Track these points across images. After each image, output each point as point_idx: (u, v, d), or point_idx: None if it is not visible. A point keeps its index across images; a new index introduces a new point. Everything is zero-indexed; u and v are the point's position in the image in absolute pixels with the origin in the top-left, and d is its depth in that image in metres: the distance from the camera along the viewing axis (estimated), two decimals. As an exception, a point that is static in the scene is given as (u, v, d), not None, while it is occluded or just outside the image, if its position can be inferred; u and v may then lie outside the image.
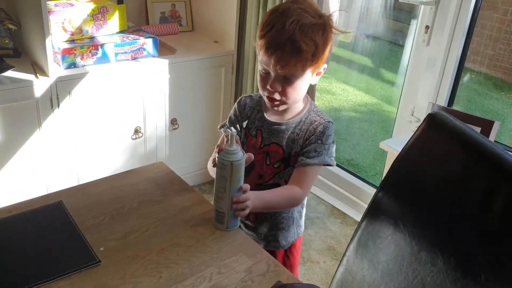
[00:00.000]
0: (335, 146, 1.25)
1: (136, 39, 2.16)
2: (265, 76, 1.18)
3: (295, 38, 1.10)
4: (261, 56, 1.16)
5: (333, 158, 1.23)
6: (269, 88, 1.16)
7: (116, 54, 2.11)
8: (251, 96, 1.35)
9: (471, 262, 0.87)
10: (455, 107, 2.21)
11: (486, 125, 1.83)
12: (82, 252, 1.02)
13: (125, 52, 2.13)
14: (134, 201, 1.20)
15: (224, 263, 1.02)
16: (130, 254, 1.04)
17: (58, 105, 1.95)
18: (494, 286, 0.84)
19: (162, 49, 2.30)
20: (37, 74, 1.90)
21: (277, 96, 1.17)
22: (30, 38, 2.01)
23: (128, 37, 2.17)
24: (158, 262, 1.01)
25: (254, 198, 1.12)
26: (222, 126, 1.33)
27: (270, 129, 1.26)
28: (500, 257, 0.84)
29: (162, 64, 2.20)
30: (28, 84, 1.87)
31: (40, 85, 1.89)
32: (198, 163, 2.46)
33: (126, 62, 2.14)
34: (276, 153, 1.25)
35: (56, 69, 1.95)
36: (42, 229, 1.09)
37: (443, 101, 2.03)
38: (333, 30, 1.17)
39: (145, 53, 2.18)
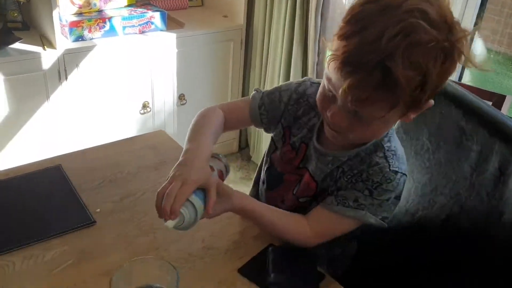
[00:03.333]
0: (394, 206, 0.91)
1: (144, 12, 2.15)
2: (329, 97, 0.83)
3: (393, 64, 0.70)
4: (331, 67, 0.78)
5: (386, 218, 0.91)
6: (329, 119, 0.84)
7: (124, 28, 2.10)
8: (319, 84, 0.92)
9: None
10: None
11: (498, 99, 1.79)
12: (78, 212, 1.03)
13: (133, 26, 2.13)
14: (132, 167, 1.20)
15: (217, 226, 1.02)
16: (126, 216, 1.04)
17: (66, 78, 1.97)
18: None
19: (171, 23, 2.29)
20: (45, 47, 1.91)
21: (339, 129, 0.85)
22: (38, 11, 2.02)
23: (136, 10, 2.16)
24: (153, 224, 1.02)
25: (235, 203, 0.92)
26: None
27: (313, 151, 0.98)
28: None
29: (170, 38, 2.19)
30: (36, 56, 1.88)
31: (48, 58, 1.90)
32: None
33: (134, 35, 2.14)
34: (307, 186, 0.98)
35: (63, 42, 1.96)
36: (39, 191, 1.10)
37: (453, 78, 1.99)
38: (463, 58, 0.75)
39: (153, 27, 2.18)
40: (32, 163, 1.19)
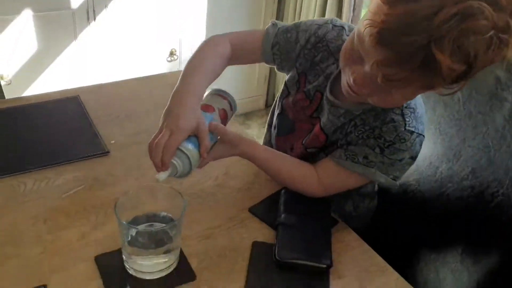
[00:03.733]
0: (408, 166, 0.85)
1: (176, -44, 2.10)
2: (355, 57, 0.74)
3: (440, 49, 0.61)
4: (366, 32, 0.67)
5: (397, 178, 0.86)
6: (351, 80, 0.76)
7: (154, -30, 2.06)
8: (342, 28, 0.89)
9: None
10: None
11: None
12: (92, 142, 1.03)
13: (164, -31, 2.08)
14: (149, 104, 1.19)
15: (232, 165, 0.99)
16: (140, 150, 1.02)
17: (94, 18, 1.95)
18: None
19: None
20: (74, -15, 1.89)
21: (359, 92, 0.77)
22: None
23: (167, -47, 2.11)
24: (166, 160, 1.00)
25: (243, 150, 0.89)
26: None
27: (325, 101, 0.91)
28: None
29: (201, -16, 2.14)
30: (65, -7, 1.87)
31: (77, -4, 1.89)
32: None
33: (164, -21, 2.09)
34: (316, 138, 0.93)
35: (93, -19, 1.93)
36: (56, 118, 1.10)
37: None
38: None
39: (184, -29, 2.12)
40: (51, 93, 1.19)
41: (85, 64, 2.02)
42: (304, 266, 0.78)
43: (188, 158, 0.78)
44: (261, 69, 2.61)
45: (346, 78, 0.78)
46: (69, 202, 0.87)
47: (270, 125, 1.10)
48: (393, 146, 0.82)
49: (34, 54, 1.90)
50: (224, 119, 0.88)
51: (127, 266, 0.75)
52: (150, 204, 0.78)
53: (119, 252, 0.77)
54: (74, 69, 2.01)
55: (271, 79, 2.70)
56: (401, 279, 0.79)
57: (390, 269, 0.81)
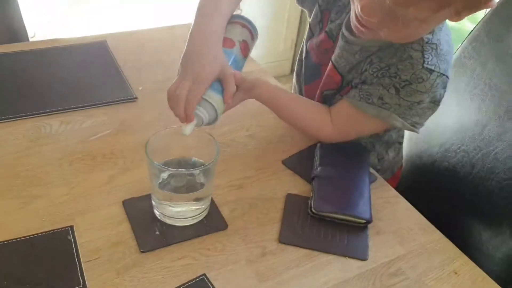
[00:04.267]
0: (431, 111, 0.79)
1: None
2: None
3: None
4: None
5: (417, 124, 0.80)
6: (359, 9, 0.70)
7: None
8: None
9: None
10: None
11: None
12: (120, 87, 0.99)
13: None
14: (177, 53, 1.13)
15: (264, 116, 0.94)
16: (166, 97, 0.99)
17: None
18: None
19: None
20: None
21: (369, 24, 0.71)
22: None
23: None
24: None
25: (259, 92, 0.83)
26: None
27: (341, 38, 0.84)
28: None
29: None
30: None
31: None
32: (259, 54, 2.35)
33: None
34: (330, 79, 0.88)
35: None
36: (83, 62, 1.05)
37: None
38: None
39: None
40: (79, 37, 1.15)
41: (114, 12, 1.97)
42: (341, 220, 0.74)
43: (213, 106, 0.72)
44: (288, 33, 2.52)
45: (355, 9, 0.72)
46: (96, 146, 0.84)
47: (298, 74, 1.03)
48: (409, 87, 0.75)
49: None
50: (246, 52, 0.80)
51: (156, 212, 0.72)
52: (180, 149, 0.74)
53: (148, 197, 0.73)
54: (102, 16, 1.96)
55: (297, 44, 2.61)
56: (445, 239, 0.74)
57: (432, 227, 0.76)
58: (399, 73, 0.76)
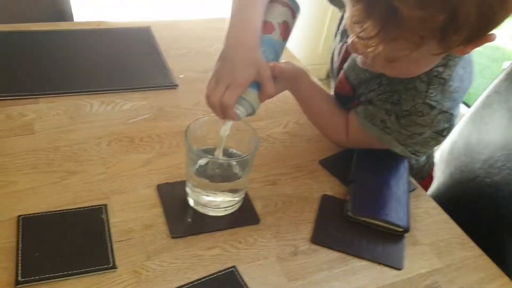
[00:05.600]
0: (434, 142, 0.75)
1: None
2: None
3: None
4: None
5: (419, 152, 0.78)
6: (350, 47, 0.68)
7: None
8: None
9: None
10: None
11: None
12: (161, 74, 0.99)
13: None
14: (221, 44, 1.13)
15: (304, 116, 0.93)
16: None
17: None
18: None
19: None
20: None
21: (364, 58, 0.69)
22: None
23: None
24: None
25: (293, 85, 0.81)
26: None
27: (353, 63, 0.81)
28: None
29: None
30: None
31: None
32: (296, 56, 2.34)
33: None
34: (341, 86, 0.86)
35: None
36: (126, 46, 1.06)
37: None
38: None
39: None
40: (124, 22, 1.16)
41: (159, 0, 1.98)
42: (378, 226, 0.72)
43: (250, 103, 0.69)
44: (327, 38, 2.50)
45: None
46: (135, 129, 0.84)
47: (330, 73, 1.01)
48: (409, 118, 0.73)
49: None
50: (286, 33, 0.74)
51: (190, 199, 0.71)
52: (219, 138, 0.73)
53: (182, 183, 0.73)
54: (147, 4, 1.98)
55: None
56: (485, 257, 0.71)
57: (471, 243, 0.73)
58: (401, 102, 0.73)
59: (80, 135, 0.81)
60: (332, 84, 1.01)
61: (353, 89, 0.83)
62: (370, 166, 0.81)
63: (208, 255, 0.65)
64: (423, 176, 0.99)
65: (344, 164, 0.83)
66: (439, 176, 1.04)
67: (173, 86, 0.96)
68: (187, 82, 0.98)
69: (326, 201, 0.76)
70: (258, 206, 0.73)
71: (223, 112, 0.67)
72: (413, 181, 0.83)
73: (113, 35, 1.09)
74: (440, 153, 1.06)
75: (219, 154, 0.68)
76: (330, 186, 0.79)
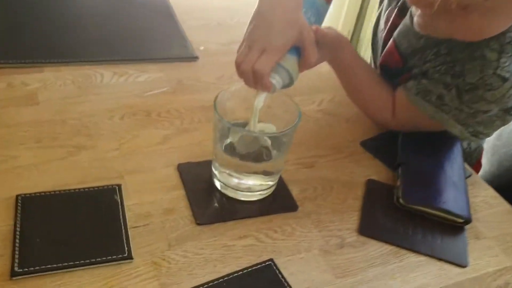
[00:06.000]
0: (500, 122, 0.66)
1: None
2: None
3: None
4: None
5: (481, 134, 0.67)
6: (415, 15, 0.62)
7: None
8: None
9: None
10: None
11: None
12: (180, 45, 0.88)
13: None
14: (243, 15, 1.02)
15: (340, 93, 0.83)
16: (230, 59, 0.87)
17: None
18: None
19: None
20: None
21: (425, 11, 0.61)
22: None
23: None
24: (261, 76, 0.85)
25: (334, 55, 0.71)
26: None
27: (408, 16, 0.71)
28: None
29: None
30: None
31: None
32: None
33: None
34: (390, 56, 0.75)
35: None
36: (142, 15, 0.95)
37: None
38: None
39: None
40: None
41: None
42: (434, 216, 0.62)
43: (288, 72, 0.59)
44: (345, 23, 2.39)
45: None
46: (151, 102, 0.74)
47: (373, 48, 0.90)
48: (474, 92, 0.62)
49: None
50: None
51: (217, 181, 0.61)
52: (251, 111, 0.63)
53: (207, 163, 0.63)
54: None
55: (354, 35, 2.48)
56: (560, 254, 0.61)
57: (542, 239, 0.63)
58: (465, 74, 0.63)
59: (90, 107, 0.71)
60: (371, 53, 0.90)
61: (404, 60, 0.72)
62: (419, 148, 0.71)
63: (240, 245, 0.55)
64: (472, 162, 0.89)
65: (388, 145, 0.73)
66: (484, 164, 0.94)
67: (193, 59, 0.86)
68: (208, 54, 0.88)
69: (371, 186, 0.66)
70: (294, 191, 0.63)
71: (256, 81, 0.57)
72: (467, 166, 0.73)
73: (128, 1, 0.99)
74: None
75: (254, 127, 0.59)
76: (375, 170, 0.69)
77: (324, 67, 0.86)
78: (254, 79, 0.57)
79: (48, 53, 0.80)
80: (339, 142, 0.73)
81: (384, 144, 0.74)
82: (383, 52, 0.76)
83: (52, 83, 0.74)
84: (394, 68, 0.74)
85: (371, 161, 0.71)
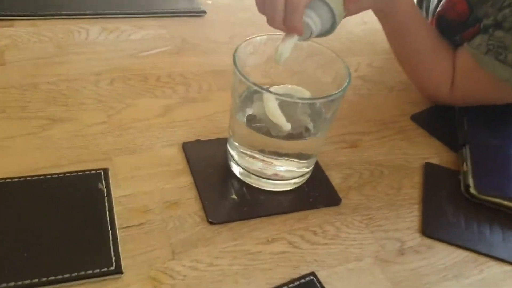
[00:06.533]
0: None
1: None
2: None
3: None
4: None
5: None
6: None
7: None
8: None
9: None
10: None
11: None
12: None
13: None
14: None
15: (380, 57, 0.68)
16: (245, 16, 0.73)
17: None
18: None
19: None
20: None
21: None
22: None
23: None
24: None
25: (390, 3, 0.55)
26: None
27: None
28: None
29: None
30: None
31: None
32: None
33: None
34: (451, 7, 0.60)
35: None
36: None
37: None
38: None
39: None
40: None
41: None
42: (518, 213, 0.48)
43: (331, 10, 0.43)
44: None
45: None
46: (149, 65, 0.59)
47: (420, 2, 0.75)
48: None
49: None
50: None
51: (235, 166, 0.47)
52: (279, 72, 0.48)
53: (221, 142, 0.49)
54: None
55: None
56: None
57: None
58: None
59: (70, 69, 0.56)
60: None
61: (470, 10, 0.56)
62: (487, 124, 0.57)
63: (268, 252, 0.41)
64: None
65: (446, 120, 0.59)
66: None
67: (200, 14, 0.71)
68: (218, 9, 0.73)
69: (431, 172, 0.52)
70: (334, 178, 0.49)
71: (290, 16, 0.42)
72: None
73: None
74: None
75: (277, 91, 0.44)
76: (433, 151, 0.55)
77: (359, 27, 0.71)
78: (283, 18, 0.42)
79: (21, 4, 0.65)
80: (385, 115, 0.59)
81: (440, 117, 0.59)
82: (443, 2, 0.60)
83: (24, 40, 0.59)
84: (455, 20, 0.59)
85: (426, 139, 0.56)
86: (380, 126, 0.57)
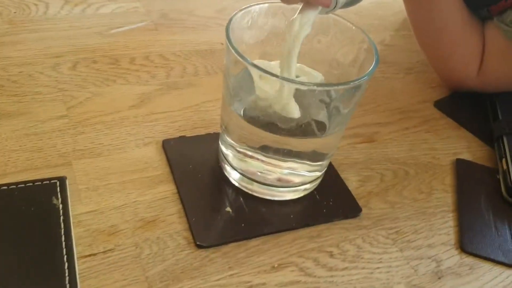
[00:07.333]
0: None
1: None
2: None
3: None
4: None
5: None
6: None
7: None
8: None
9: None
10: None
11: None
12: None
13: None
14: None
15: (393, 34, 0.59)
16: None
17: None
18: None
19: None
20: None
21: None
22: None
23: None
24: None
25: None
26: None
27: None
28: None
29: None
30: None
31: None
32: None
33: None
34: None
35: None
36: None
37: None
38: None
39: None
40: None
41: None
42: None
43: None
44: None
45: None
46: (121, 44, 0.49)
47: None
48: None
49: None
50: None
51: (230, 169, 0.37)
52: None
53: (212, 139, 0.39)
54: None
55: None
56: None
57: None
58: None
59: (24, 51, 0.46)
60: None
61: None
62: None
63: (274, 284, 0.32)
64: None
65: (476, 107, 0.50)
66: None
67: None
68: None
69: (464, 170, 0.43)
70: (350, 181, 0.40)
71: None
72: None
73: None
74: None
75: (289, 74, 0.34)
76: (463, 145, 0.46)
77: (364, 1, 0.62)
78: None
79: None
80: (404, 102, 0.50)
81: (468, 105, 0.50)
82: None
83: (-34, 14, 0.49)
84: None
85: (454, 131, 0.47)
86: (399, 116, 0.48)
